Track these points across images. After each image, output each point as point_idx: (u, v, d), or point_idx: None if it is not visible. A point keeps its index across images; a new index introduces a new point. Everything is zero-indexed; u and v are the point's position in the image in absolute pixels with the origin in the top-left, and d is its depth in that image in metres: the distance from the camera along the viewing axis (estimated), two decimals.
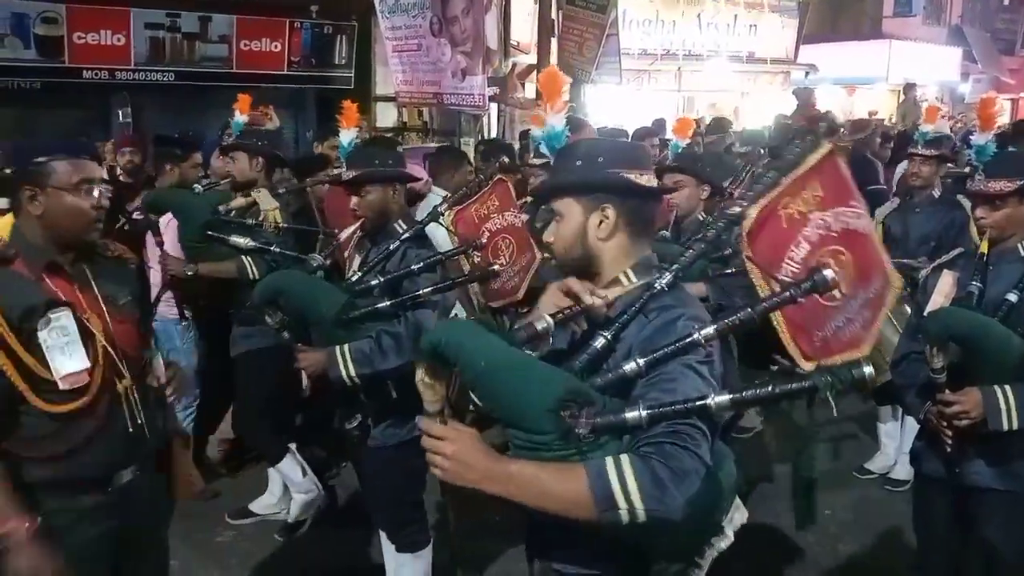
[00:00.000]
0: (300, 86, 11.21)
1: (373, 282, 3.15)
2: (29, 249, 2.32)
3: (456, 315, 4.19)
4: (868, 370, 1.53)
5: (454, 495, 1.74)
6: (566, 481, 1.59)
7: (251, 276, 3.96)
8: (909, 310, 3.20)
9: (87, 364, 2.29)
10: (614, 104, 11.75)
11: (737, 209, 1.87)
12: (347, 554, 4.22)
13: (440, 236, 3.90)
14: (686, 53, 14.07)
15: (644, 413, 1.59)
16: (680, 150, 4.71)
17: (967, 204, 4.63)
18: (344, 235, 3.54)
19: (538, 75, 9.33)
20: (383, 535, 3.50)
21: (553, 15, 9.89)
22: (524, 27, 11.01)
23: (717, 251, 3.55)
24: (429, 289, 3.08)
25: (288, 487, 4.49)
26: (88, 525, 2.37)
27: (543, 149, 4.59)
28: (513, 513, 1.69)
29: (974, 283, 2.83)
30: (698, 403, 1.59)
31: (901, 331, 3.18)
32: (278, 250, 3.95)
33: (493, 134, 10.60)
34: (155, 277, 4.29)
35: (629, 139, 6.58)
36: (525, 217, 3.93)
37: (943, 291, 2.80)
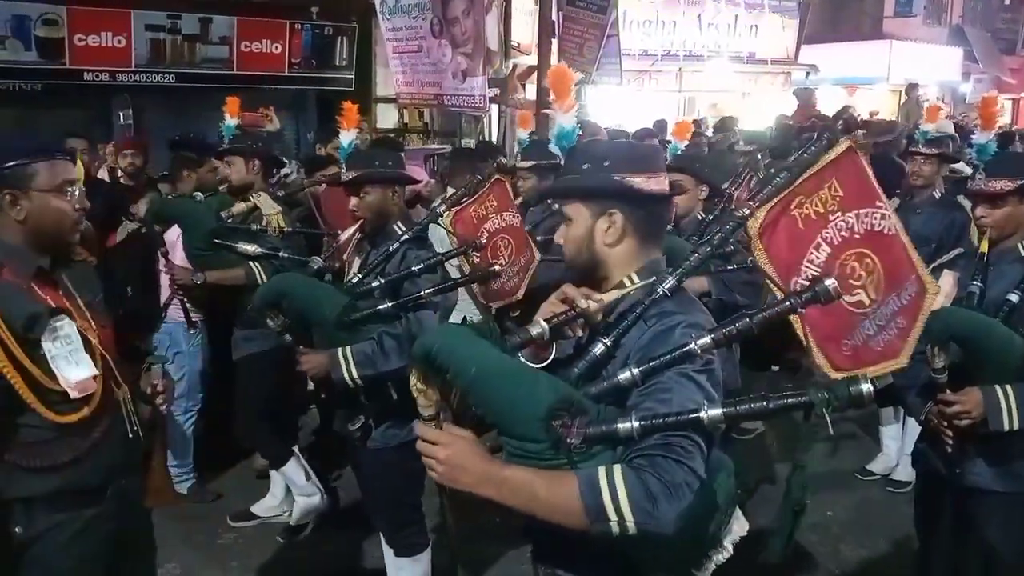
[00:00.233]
0: (301, 87, 11.20)
1: (374, 284, 3.15)
2: (13, 256, 2.24)
3: (466, 317, 4.20)
4: (867, 387, 1.50)
5: (451, 498, 1.73)
6: (558, 490, 1.58)
7: (260, 282, 3.92)
8: None
9: (95, 370, 2.25)
10: (615, 105, 11.75)
11: (746, 211, 1.83)
12: (348, 557, 4.22)
13: (440, 235, 3.90)
14: (687, 54, 14.08)
15: (636, 424, 1.57)
16: (680, 151, 4.72)
17: (968, 205, 4.64)
18: (343, 237, 3.54)
19: (539, 76, 9.38)
20: (382, 538, 3.50)
21: (553, 16, 9.89)
22: (524, 28, 11.01)
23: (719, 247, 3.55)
24: (430, 290, 3.08)
25: (290, 489, 4.49)
26: (90, 535, 2.35)
27: (553, 148, 4.61)
28: (512, 516, 1.68)
29: (975, 283, 2.83)
30: (691, 416, 1.56)
31: None
32: (286, 255, 3.94)
33: (494, 135, 10.61)
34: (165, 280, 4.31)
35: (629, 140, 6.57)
36: None
37: (944, 291, 2.79)
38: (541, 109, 9.17)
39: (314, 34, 10.90)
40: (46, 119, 9.09)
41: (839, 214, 1.89)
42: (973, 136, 5.28)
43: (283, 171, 6.30)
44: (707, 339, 1.64)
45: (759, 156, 6.63)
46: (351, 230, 3.47)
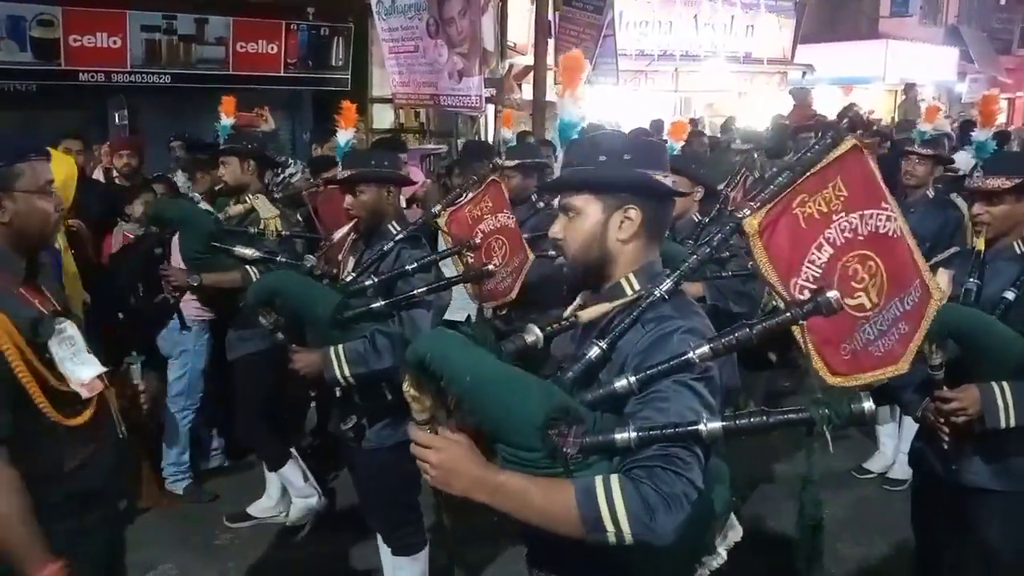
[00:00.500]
0: (297, 88, 11.20)
1: (367, 283, 3.15)
2: (2, 260, 2.18)
3: (470, 316, 4.19)
4: (868, 405, 1.47)
5: (446, 500, 1.72)
6: (554, 498, 1.56)
7: None
8: None
9: (102, 368, 2.22)
10: (611, 105, 11.74)
11: (747, 212, 1.79)
12: (345, 557, 4.21)
13: None
14: (683, 54, 14.07)
15: (634, 435, 1.55)
16: (676, 151, 4.71)
17: (962, 204, 4.64)
18: (337, 236, 3.54)
19: (535, 76, 9.38)
20: (379, 538, 3.50)
21: (550, 16, 9.89)
22: (521, 28, 11.01)
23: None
24: (423, 289, 3.08)
25: (287, 490, 4.49)
26: (90, 539, 2.32)
27: (554, 138, 4.60)
28: (508, 519, 1.66)
29: (971, 280, 2.83)
30: (690, 428, 1.54)
31: None
32: (283, 259, 3.92)
33: (490, 135, 10.61)
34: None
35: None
36: None
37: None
38: (537, 108, 9.20)
39: (310, 34, 10.89)
40: (41, 120, 9.06)
41: (843, 214, 1.84)
42: (972, 134, 5.28)
43: (287, 171, 6.32)
44: (706, 349, 1.61)
45: (755, 155, 6.64)
46: (344, 229, 3.47)
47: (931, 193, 4.88)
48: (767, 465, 4.97)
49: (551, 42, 9.91)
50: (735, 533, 1.83)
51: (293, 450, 4.50)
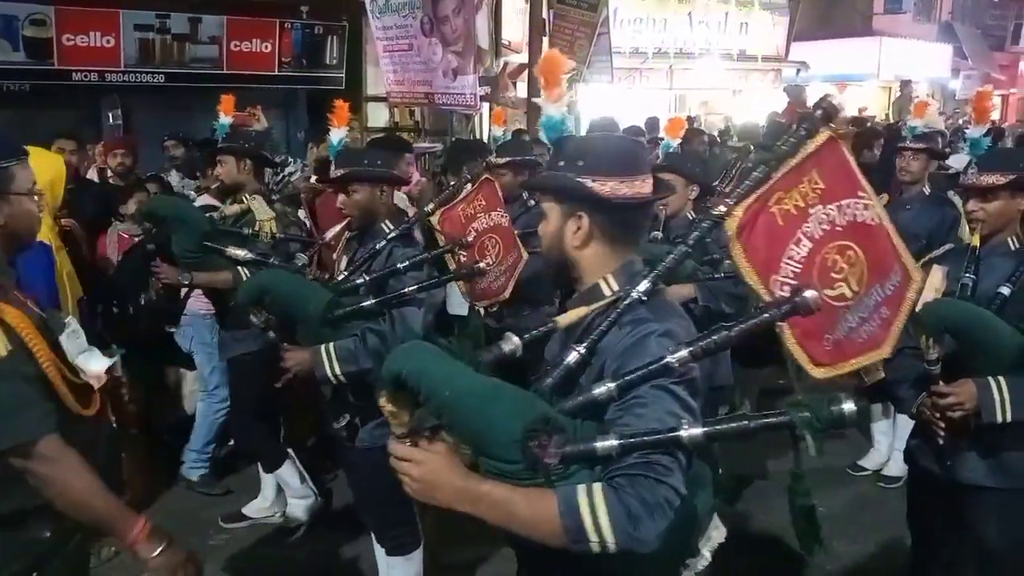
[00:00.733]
0: (291, 87, 11.18)
1: (359, 281, 3.14)
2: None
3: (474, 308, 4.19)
4: (849, 407, 1.46)
5: (424, 507, 1.71)
6: (537, 508, 1.55)
7: None
8: None
9: (108, 360, 2.23)
10: (606, 103, 11.75)
11: (723, 208, 1.79)
12: (340, 557, 4.21)
13: None
14: (677, 51, 14.09)
15: (615, 443, 1.54)
16: (672, 148, 4.71)
17: (958, 201, 4.65)
18: (329, 235, 3.54)
19: (530, 74, 9.37)
20: (374, 537, 3.49)
21: (544, 14, 9.89)
22: (515, 26, 11.00)
23: (706, 253, 3.55)
24: (414, 287, 3.07)
25: (282, 490, 4.48)
26: (84, 538, 2.32)
27: (543, 138, 4.61)
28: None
29: (967, 275, 2.83)
30: (671, 435, 1.54)
31: None
32: (275, 262, 3.90)
33: (485, 134, 10.60)
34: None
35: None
36: None
37: (933, 285, 2.80)
38: (531, 107, 9.19)
39: (304, 33, 10.87)
40: (35, 120, 9.03)
41: (820, 207, 1.86)
42: (966, 131, 5.29)
43: (287, 170, 6.31)
44: (684, 352, 1.60)
45: (751, 150, 6.63)
46: (337, 228, 3.47)
47: (927, 190, 4.88)
48: (761, 462, 4.96)
49: (545, 40, 9.91)
50: (719, 534, 1.82)
51: (290, 451, 4.49)
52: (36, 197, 2.24)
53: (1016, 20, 23.79)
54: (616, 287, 1.80)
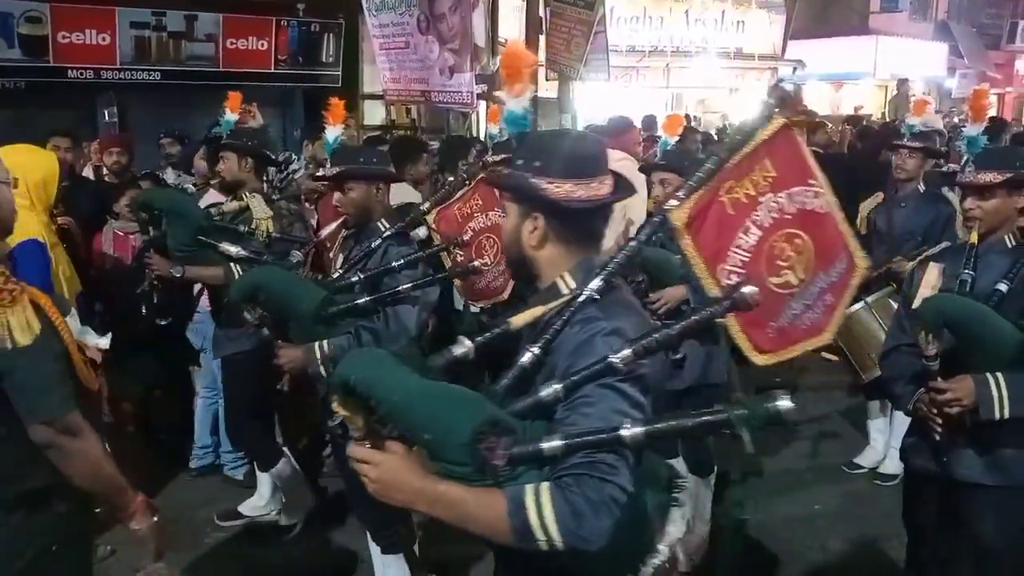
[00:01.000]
0: (287, 84, 11.17)
1: (354, 279, 3.14)
2: None
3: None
4: (785, 404, 1.47)
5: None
6: (488, 508, 1.58)
7: None
8: (895, 304, 3.20)
9: (103, 338, 2.33)
10: (602, 101, 11.74)
11: (674, 202, 1.79)
12: (336, 555, 4.20)
13: None
14: (674, 49, 14.09)
15: (560, 443, 1.56)
16: (670, 146, 4.70)
17: (953, 199, 4.65)
18: (325, 233, 3.53)
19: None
20: (369, 536, 3.49)
21: (540, 12, 9.88)
22: (512, 24, 11.00)
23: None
24: (409, 285, 3.07)
25: (278, 488, 4.47)
26: (86, 521, 2.35)
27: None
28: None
29: (966, 271, 2.83)
30: (612, 435, 1.56)
31: (887, 326, 3.18)
32: (269, 260, 3.89)
33: (482, 132, 10.59)
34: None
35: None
36: None
37: (930, 283, 2.80)
38: (533, 101, 9.18)
39: (300, 31, 10.86)
40: (30, 117, 9.02)
41: (770, 195, 1.88)
42: (963, 129, 5.29)
43: (291, 167, 6.30)
44: (627, 352, 1.61)
45: None
46: (332, 226, 3.46)
47: (922, 187, 4.89)
48: (754, 460, 4.96)
49: (542, 38, 9.90)
50: (677, 529, 1.82)
51: (285, 449, 4.48)
52: (12, 186, 2.28)
53: (1012, 19, 23.80)
54: (573, 284, 1.79)
